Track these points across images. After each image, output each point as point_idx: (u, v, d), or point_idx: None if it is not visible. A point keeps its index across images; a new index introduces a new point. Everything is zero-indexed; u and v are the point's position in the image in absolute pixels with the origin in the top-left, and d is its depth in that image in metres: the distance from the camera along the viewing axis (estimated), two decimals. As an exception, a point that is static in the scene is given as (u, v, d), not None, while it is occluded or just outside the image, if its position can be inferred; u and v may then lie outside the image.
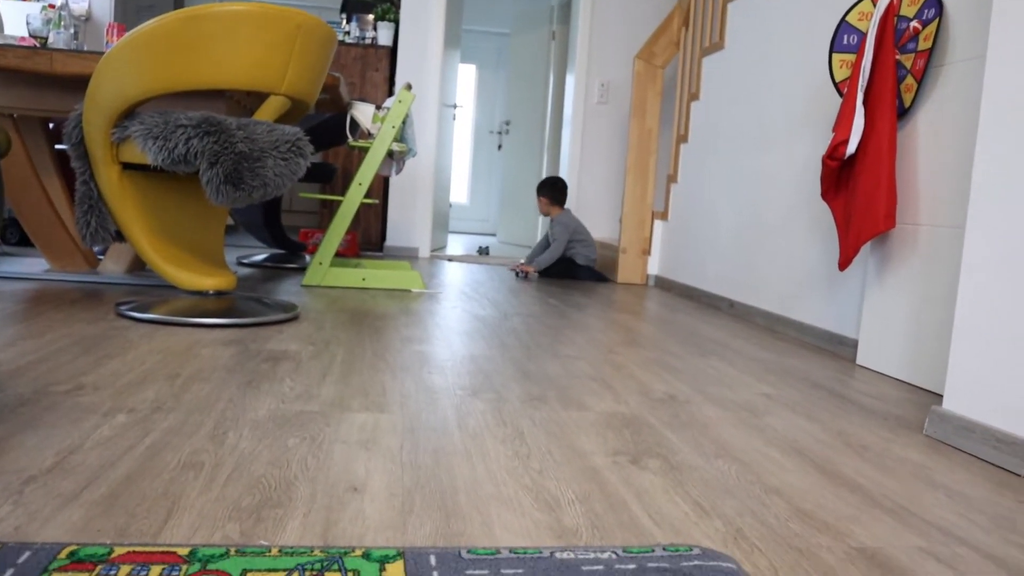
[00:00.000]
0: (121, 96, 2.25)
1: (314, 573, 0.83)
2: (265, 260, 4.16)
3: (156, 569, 0.81)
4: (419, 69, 5.36)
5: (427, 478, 1.15)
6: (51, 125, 3.43)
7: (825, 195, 2.40)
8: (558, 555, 0.90)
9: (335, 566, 0.84)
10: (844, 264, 2.30)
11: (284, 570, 0.83)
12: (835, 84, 2.51)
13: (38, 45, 3.55)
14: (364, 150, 3.54)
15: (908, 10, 2.24)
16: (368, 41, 5.54)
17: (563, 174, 5.67)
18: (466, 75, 8.92)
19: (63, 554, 0.83)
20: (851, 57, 2.46)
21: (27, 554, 0.83)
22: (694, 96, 4.13)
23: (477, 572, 0.85)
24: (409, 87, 3.47)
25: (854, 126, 2.22)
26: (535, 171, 6.73)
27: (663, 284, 4.35)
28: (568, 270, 4.57)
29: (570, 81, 5.68)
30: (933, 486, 1.29)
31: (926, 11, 2.17)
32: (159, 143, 2.21)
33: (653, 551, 0.94)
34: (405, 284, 3.46)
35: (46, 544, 0.85)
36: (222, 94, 2.75)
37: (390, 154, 3.73)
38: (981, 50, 1.99)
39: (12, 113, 2.93)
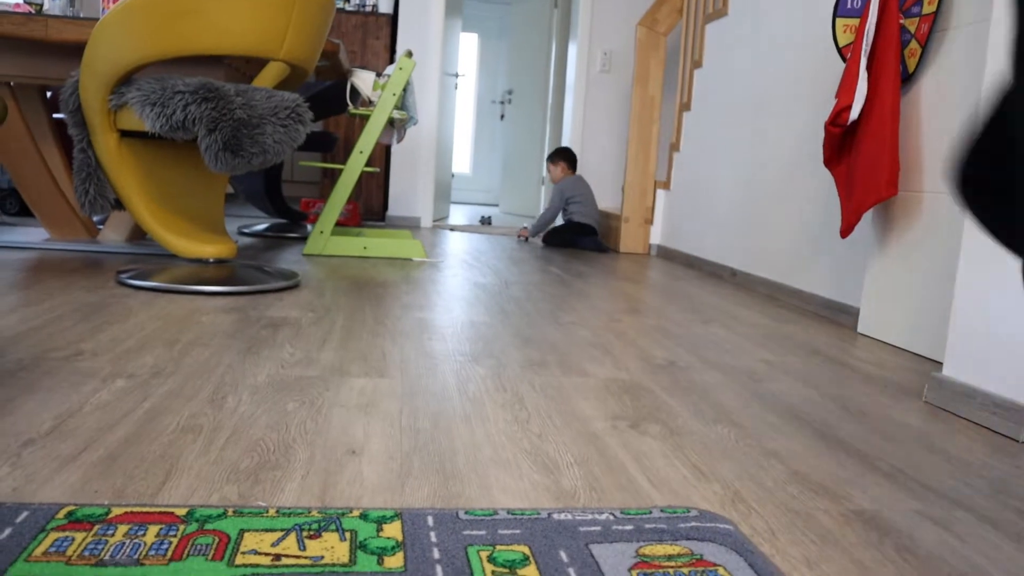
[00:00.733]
0: (117, 62, 2.23)
1: (311, 533, 0.83)
2: (266, 230, 4.15)
3: (153, 529, 0.81)
4: (420, 37, 5.31)
5: (426, 441, 1.15)
6: (49, 94, 3.41)
7: (827, 162, 2.38)
8: (555, 516, 0.91)
9: (332, 526, 0.85)
10: (846, 231, 2.29)
11: (281, 530, 0.83)
12: (838, 49, 2.48)
13: (33, 12, 3.51)
14: (365, 118, 3.52)
15: (914, -27, 2.21)
16: (368, 8, 5.48)
17: (566, 143, 5.64)
18: (468, 44, 8.84)
19: (61, 514, 0.83)
20: (855, 22, 2.42)
21: (25, 514, 0.83)
22: (697, 63, 4.09)
23: (474, 532, 0.85)
24: (410, 54, 3.44)
25: (857, 92, 2.19)
26: (538, 141, 6.69)
27: (665, 253, 4.34)
28: (570, 239, 4.57)
29: (572, 50, 5.62)
30: (931, 451, 1.29)
31: (933, -26, 2.14)
32: (156, 109, 2.20)
33: (650, 513, 0.94)
34: (406, 253, 3.45)
35: (44, 504, 0.86)
36: (221, 61, 2.73)
37: (391, 122, 3.71)
38: (986, 13, 1.96)
39: (9, 81, 2.91)
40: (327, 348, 1.68)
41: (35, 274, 2.36)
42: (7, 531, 0.79)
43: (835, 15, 2.49)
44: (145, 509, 0.86)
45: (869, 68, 2.21)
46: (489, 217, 5.91)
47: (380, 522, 0.86)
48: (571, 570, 0.78)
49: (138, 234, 3.28)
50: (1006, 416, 1.43)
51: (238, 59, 2.90)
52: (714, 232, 3.69)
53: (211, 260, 2.48)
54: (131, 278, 2.32)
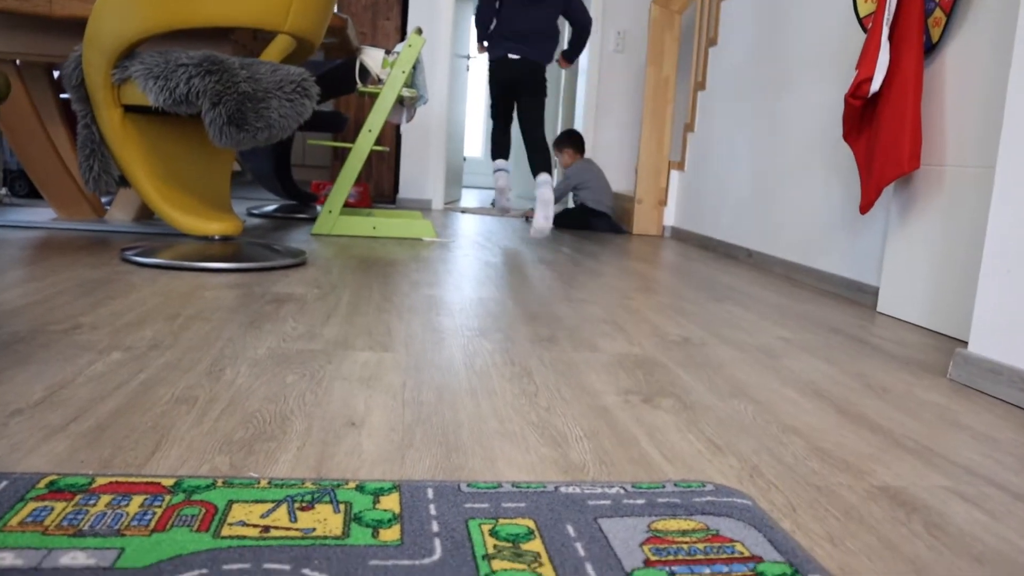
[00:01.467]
0: (120, 35, 2.19)
1: (304, 504, 0.78)
2: (275, 211, 4.11)
3: (138, 499, 0.77)
4: (431, 18, 5.24)
5: (429, 414, 1.10)
6: (56, 74, 3.37)
7: (847, 136, 2.31)
8: (563, 490, 0.86)
9: (326, 498, 0.80)
10: (866, 207, 2.22)
11: (272, 501, 0.79)
12: (859, 19, 2.40)
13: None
14: (374, 96, 3.46)
15: (939, -61, 2.13)
16: (379, -11, 5.41)
17: (578, 125, 5.57)
18: (480, 26, 8.75)
19: (42, 484, 0.79)
20: (878, -9, 2.35)
21: (4, 483, 0.79)
22: (712, 41, 4.01)
23: (477, 505, 0.81)
24: (420, 31, 3.38)
25: (879, 63, 2.12)
26: (551, 123, 6.62)
27: (679, 235, 4.27)
28: (583, 221, 4.51)
29: (585, 29, 5.54)
30: (958, 427, 1.23)
31: (958, -61, 2.06)
32: (160, 83, 2.15)
33: (663, 487, 0.89)
34: (416, 233, 3.40)
35: (25, 474, 0.81)
36: (226, 37, 2.68)
37: (400, 101, 3.65)
38: (1017, -22, 1.89)
39: (14, 59, 2.87)
40: (331, 323, 1.64)
41: (40, 252, 2.32)
42: (-17, 500, 0.75)
43: (856, -15, 2.41)
44: (131, 479, 0.82)
45: (891, 38, 2.13)
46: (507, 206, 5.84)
47: (377, 494, 0.82)
48: (578, 545, 0.74)
49: (146, 213, 3.25)
50: (1036, 393, 1.36)
51: (244, 35, 2.86)
52: (729, 213, 3.62)
53: (216, 237, 2.45)
54: (135, 255, 2.28)
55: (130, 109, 2.35)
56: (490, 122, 4.13)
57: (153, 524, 0.72)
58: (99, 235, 2.79)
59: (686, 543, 0.76)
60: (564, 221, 4.54)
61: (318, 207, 4.36)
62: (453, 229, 3.94)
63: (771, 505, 0.88)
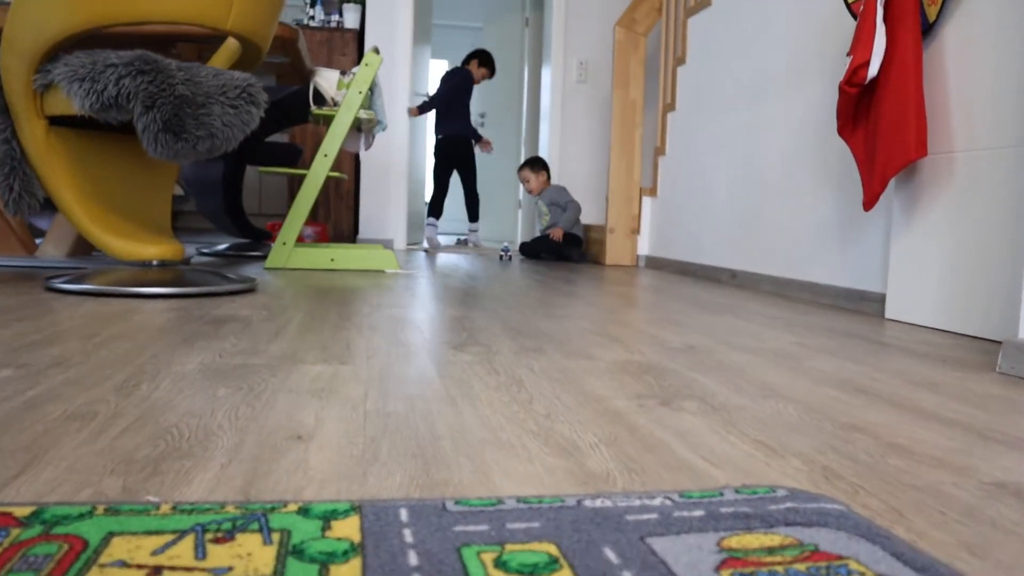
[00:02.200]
0: (40, 35, 1.95)
1: (220, 535, 0.54)
2: (227, 249, 3.85)
3: (-28, 538, 0.52)
4: (389, 58, 5.07)
5: (398, 425, 0.86)
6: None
7: (842, 130, 2.14)
8: (588, 503, 0.62)
9: (254, 525, 0.56)
10: (870, 203, 2.04)
11: (174, 532, 0.54)
12: (848, 5, 2.25)
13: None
14: (329, 120, 3.25)
15: (931, -84, 1.99)
16: (334, 24, 5.25)
17: (543, 157, 5.41)
18: (438, 71, 8.64)
19: None
20: (865, -22, 2.20)
21: None
22: (680, 60, 3.88)
23: (471, 528, 0.56)
24: (376, 51, 3.19)
25: (875, 46, 1.96)
26: (514, 163, 6.44)
27: (655, 263, 4.08)
28: (560, 249, 4.35)
29: (547, 64, 5.41)
30: (1041, 421, 1.02)
31: (954, -87, 1.92)
32: (86, 85, 1.91)
33: (722, 494, 0.65)
34: (378, 264, 3.16)
35: None
36: (166, 50, 2.46)
37: (358, 127, 3.44)
38: (1024, -55, 1.74)
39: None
40: (279, 340, 1.39)
41: (-53, 282, 2.05)
42: None
43: (841, -26, 2.27)
44: (-31, 511, 0.56)
45: (885, 20, 1.98)
46: (466, 239, 5.64)
47: (328, 518, 0.57)
48: (627, 574, 0.50)
49: (82, 249, 2.97)
50: (1113, 382, 1.16)
51: (188, 51, 2.64)
52: (709, 235, 3.44)
53: (155, 263, 2.19)
54: (62, 283, 2.01)
55: (56, 121, 2.10)
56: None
57: (-18, 572, 0.47)
58: (28, 271, 2.51)
59: (779, 564, 0.52)
60: (533, 250, 4.36)
61: (272, 244, 4.10)
62: (417, 263, 3.71)
63: (867, 511, 0.65)
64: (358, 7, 5.20)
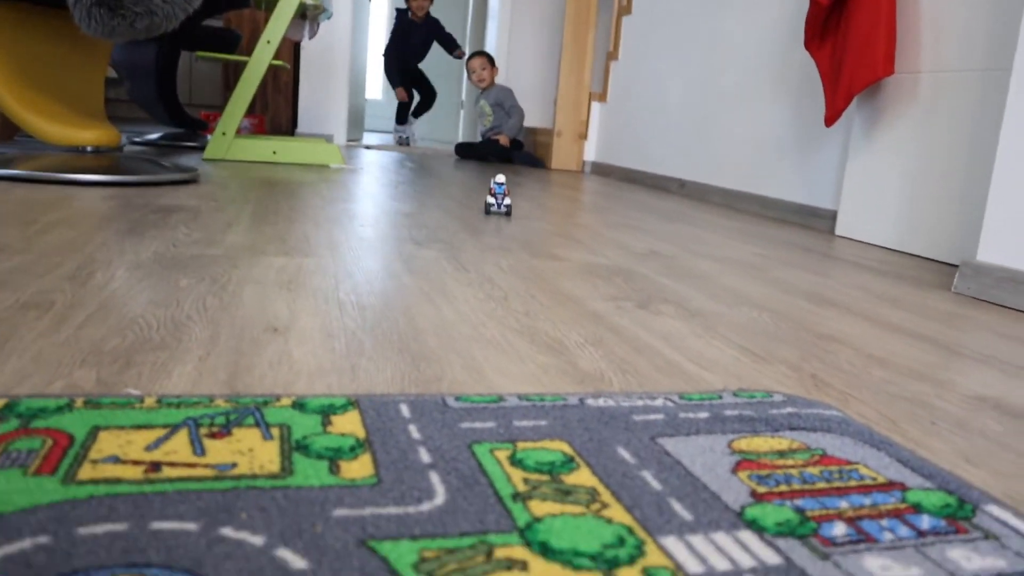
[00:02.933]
0: None
1: (215, 430, 0.50)
2: (160, 139, 3.67)
3: (-60, 428, 0.47)
4: (332, -67, 4.79)
5: (377, 319, 0.83)
6: None
7: (809, 43, 2.11)
8: (591, 402, 0.61)
9: (249, 419, 0.52)
10: (831, 119, 2.03)
11: (165, 426, 0.50)
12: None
13: None
14: (273, 4, 3.08)
15: None
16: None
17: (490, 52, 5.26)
18: (381, -42, 8.25)
19: None
20: None
21: None
22: (639, -39, 3.76)
23: (478, 425, 0.54)
24: (323, -70, 3.00)
25: (849, -45, 1.92)
26: (458, 62, 6.27)
27: (601, 169, 4.05)
28: (502, 152, 4.27)
29: (498, -46, 5.21)
30: (1003, 336, 1.04)
31: None
32: (9, -52, 1.75)
33: (721, 397, 0.65)
34: (323, 159, 3.06)
35: None
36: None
37: (303, 15, 3.27)
38: None
39: None
40: (233, 232, 1.33)
41: None
42: None
43: None
44: (-69, 399, 0.52)
45: (861, -71, 1.93)
46: (407, 137, 5.50)
47: (327, 412, 0.55)
48: (647, 475, 0.49)
49: (6, 133, 2.79)
50: (1066, 299, 1.19)
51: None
52: (659, 143, 3.41)
53: (89, 148, 2.06)
54: (-15, 165, 1.89)
55: (-26, -12, 1.93)
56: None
57: (-42, 463, 0.43)
58: (-57, 149, 2.35)
59: (794, 467, 0.52)
60: (472, 152, 4.29)
61: (208, 136, 3.93)
62: (361, 160, 3.60)
63: (862, 418, 0.65)
64: None
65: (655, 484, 0.48)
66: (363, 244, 1.30)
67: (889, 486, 0.50)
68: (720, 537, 0.42)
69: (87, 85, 2.23)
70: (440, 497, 0.44)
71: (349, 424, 0.53)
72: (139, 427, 0.50)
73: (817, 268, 1.48)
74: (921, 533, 0.44)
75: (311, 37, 3.39)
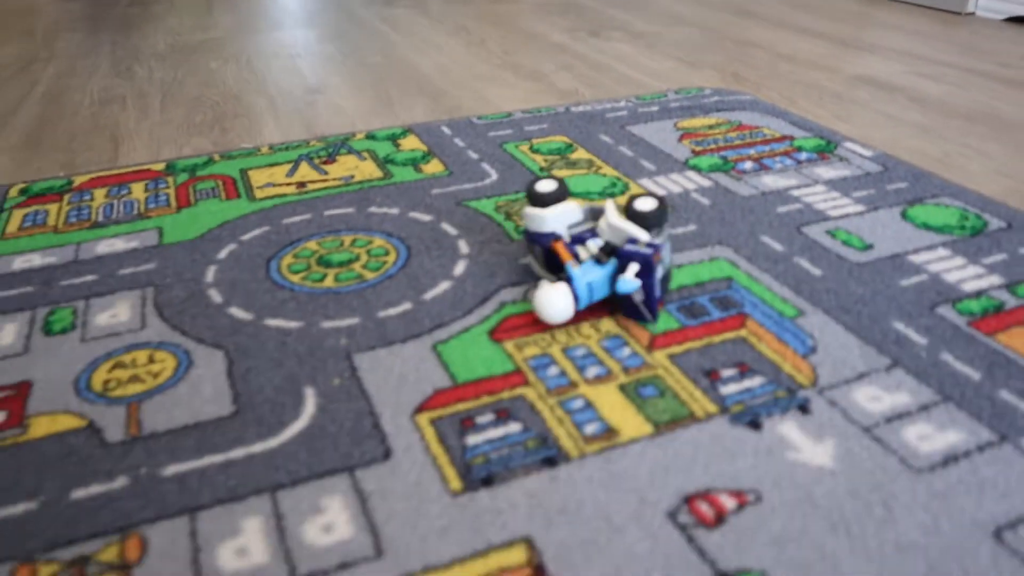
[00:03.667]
0: None
1: (324, 159, 0.73)
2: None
3: (138, 186, 0.69)
4: None
5: (387, 72, 1.03)
6: None
7: None
8: (574, 109, 0.83)
9: (343, 150, 0.75)
10: None
11: (287, 163, 0.72)
12: None
13: None
14: None
15: None
16: None
17: None
18: None
19: (13, 192, 0.70)
20: None
21: (-28, 190, 0.69)
22: None
23: (501, 133, 0.77)
24: None
25: None
26: None
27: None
28: None
29: None
30: (889, 28, 1.27)
31: None
32: None
33: (666, 95, 0.88)
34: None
35: (-12, 180, 0.71)
36: None
37: None
38: None
39: None
40: (217, 13, 1.46)
41: None
42: (-38, 207, 0.65)
43: None
44: (113, 172, 0.73)
45: None
46: None
47: (394, 138, 0.77)
48: (623, 148, 0.73)
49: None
50: (946, -17, 1.41)
51: None
52: None
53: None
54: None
55: None
56: None
57: (175, 202, 0.66)
58: None
59: (720, 134, 0.76)
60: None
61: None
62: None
63: (770, 99, 0.89)
64: None
65: (629, 152, 0.72)
66: (343, 15, 1.45)
67: (782, 139, 0.75)
68: (675, 176, 0.67)
69: None
70: (495, 175, 0.67)
71: (412, 143, 0.75)
72: (272, 165, 0.72)
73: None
74: (800, 162, 0.70)
75: None
